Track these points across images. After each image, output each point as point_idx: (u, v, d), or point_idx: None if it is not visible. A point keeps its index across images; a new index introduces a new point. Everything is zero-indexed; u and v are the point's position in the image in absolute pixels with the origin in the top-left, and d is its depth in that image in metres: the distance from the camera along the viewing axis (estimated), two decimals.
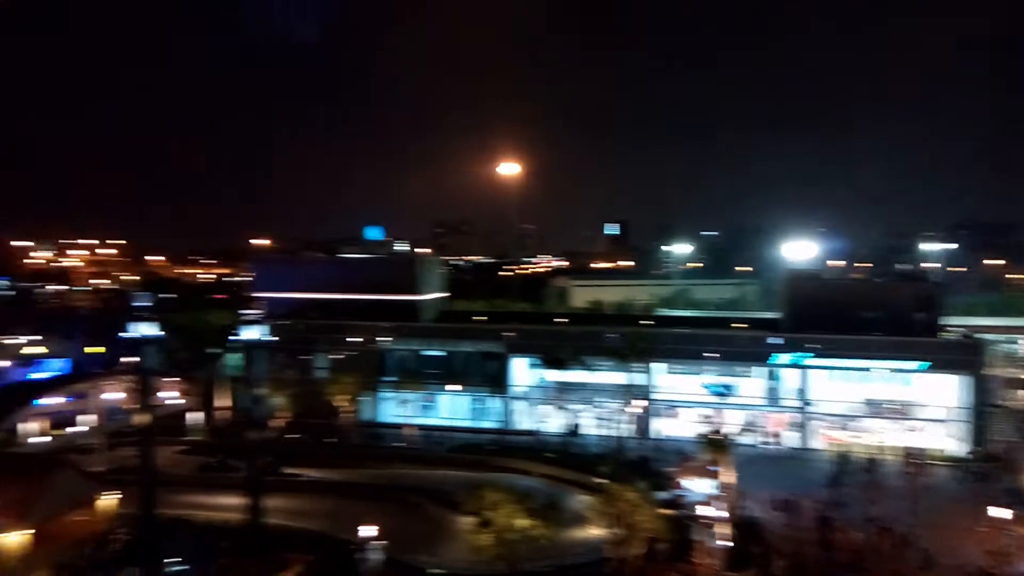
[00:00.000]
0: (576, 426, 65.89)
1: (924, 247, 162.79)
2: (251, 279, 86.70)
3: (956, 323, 76.66)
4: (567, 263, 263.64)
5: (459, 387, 70.05)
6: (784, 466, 56.96)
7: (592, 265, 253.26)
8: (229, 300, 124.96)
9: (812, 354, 63.13)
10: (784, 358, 63.97)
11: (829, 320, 64.80)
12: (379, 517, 36.75)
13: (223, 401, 70.49)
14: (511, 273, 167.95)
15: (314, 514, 45.53)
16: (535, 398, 69.49)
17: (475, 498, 34.14)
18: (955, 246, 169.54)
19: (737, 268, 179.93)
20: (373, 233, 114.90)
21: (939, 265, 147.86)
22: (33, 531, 37.29)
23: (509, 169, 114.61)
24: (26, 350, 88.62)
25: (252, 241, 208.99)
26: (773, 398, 65.56)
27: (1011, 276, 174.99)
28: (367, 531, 32.43)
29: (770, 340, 64.95)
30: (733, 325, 74.06)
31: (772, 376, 65.97)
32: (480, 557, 33.69)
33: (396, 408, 69.55)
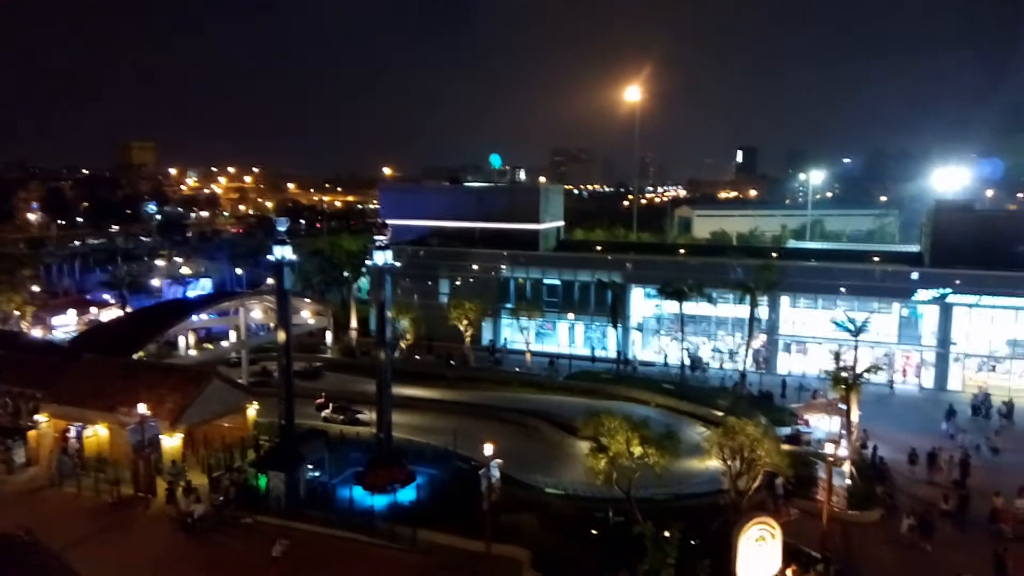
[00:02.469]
0: (697, 358, 65.10)
1: None
2: (378, 206, 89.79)
3: None
4: (689, 192, 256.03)
5: (577, 316, 70.60)
6: (917, 408, 54.28)
7: (717, 194, 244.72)
8: (358, 226, 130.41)
9: (956, 290, 58.91)
10: (925, 294, 60.05)
11: (979, 255, 59.98)
12: (498, 437, 38.10)
13: (355, 323, 74.41)
14: (631, 202, 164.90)
15: (437, 431, 47.75)
16: (653, 329, 69.08)
17: (592, 424, 34.59)
18: None
19: (876, 197, 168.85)
20: (495, 161, 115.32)
21: None
22: (186, 434, 41.39)
23: (632, 95, 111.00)
24: (182, 271, 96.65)
25: (384, 170, 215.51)
26: (910, 336, 62.01)
27: None
28: (487, 449, 33.66)
29: (910, 275, 61.07)
30: (870, 259, 69.92)
31: (910, 313, 62.26)
32: (596, 481, 34.38)
33: (515, 334, 70.97)
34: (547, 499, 37.80)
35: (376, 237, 40.61)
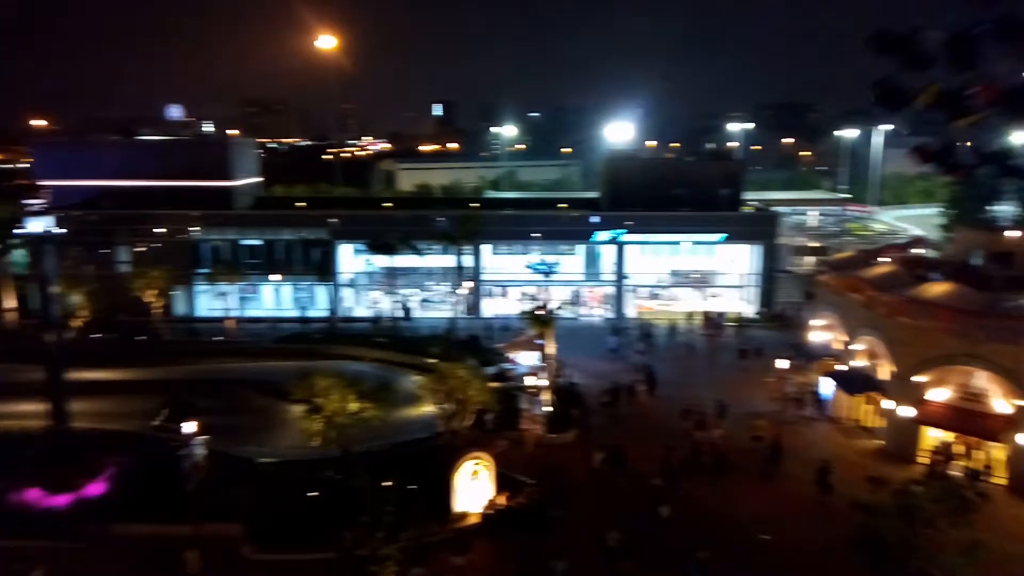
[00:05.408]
0: (407, 310, 66.18)
1: (729, 127, 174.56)
2: (31, 165, 76.69)
3: (754, 197, 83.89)
4: (392, 145, 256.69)
5: (282, 276, 67.59)
6: (601, 336, 60.63)
7: (418, 147, 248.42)
8: (5, 190, 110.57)
9: (627, 230, 66.63)
10: (603, 235, 67.06)
11: (644, 198, 68.52)
12: (201, 413, 35.30)
13: (10, 302, 63.37)
14: (333, 156, 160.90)
15: (127, 415, 42.92)
16: (363, 284, 68.69)
17: (304, 386, 33.54)
18: (753, 126, 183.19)
19: (560, 149, 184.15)
20: (174, 112, 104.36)
21: (739, 144, 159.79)
22: None
23: (326, 43, 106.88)
24: None
25: (36, 123, 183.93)
26: (593, 273, 69.10)
27: (803, 153, 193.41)
28: (188, 427, 31.00)
29: (590, 219, 67.64)
30: (558, 205, 76.27)
31: (592, 253, 69.22)
32: (312, 443, 33.55)
33: (213, 301, 66.08)
34: (261, 469, 36.10)
35: (30, 201, 34.63)
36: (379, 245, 61.79)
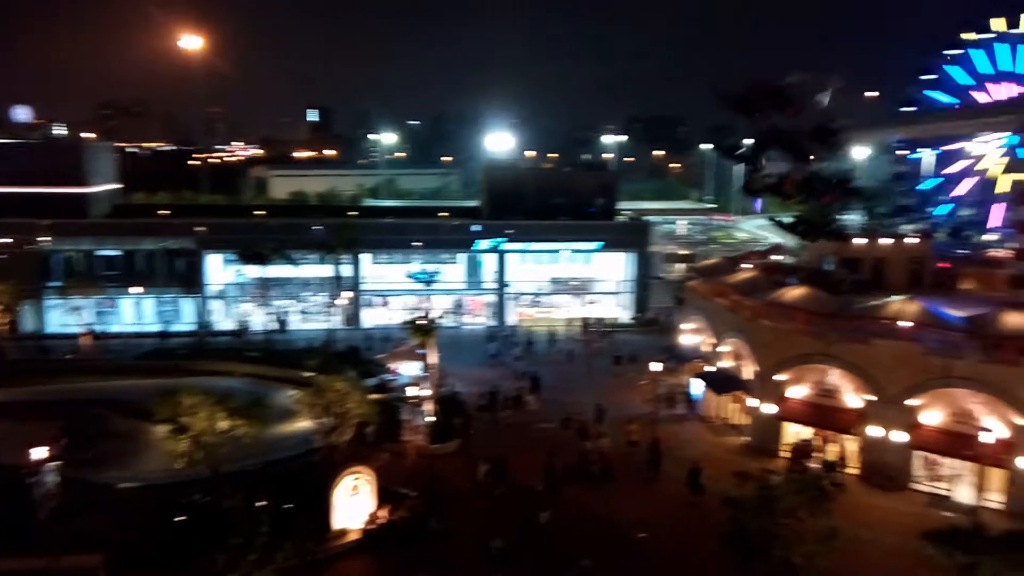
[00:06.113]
0: (282, 322, 63.85)
1: (604, 139, 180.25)
2: None
3: (627, 207, 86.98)
4: (264, 151, 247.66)
5: (143, 289, 63.56)
6: (483, 344, 60.85)
7: (293, 154, 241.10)
8: None
9: (507, 239, 67.28)
10: (483, 244, 67.39)
11: (523, 207, 69.51)
12: (54, 436, 32.51)
13: None
14: (200, 162, 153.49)
15: None
16: (234, 296, 65.74)
17: (169, 404, 31.50)
18: (626, 138, 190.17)
19: (441, 157, 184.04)
20: (21, 114, 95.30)
21: (612, 155, 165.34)
22: None
23: (191, 43, 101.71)
24: None
25: None
26: (474, 282, 69.25)
27: (672, 165, 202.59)
28: (37, 453, 28.44)
29: (471, 227, 67.81)
30: (438, 214, 76.07)
31: (473, 261, 69.40)
32: (178, 464, 31.55)
33: (67, 316, 61.23)
34: (121, 495, 33.58)
35: None
36: (250, 255, 59.33)
